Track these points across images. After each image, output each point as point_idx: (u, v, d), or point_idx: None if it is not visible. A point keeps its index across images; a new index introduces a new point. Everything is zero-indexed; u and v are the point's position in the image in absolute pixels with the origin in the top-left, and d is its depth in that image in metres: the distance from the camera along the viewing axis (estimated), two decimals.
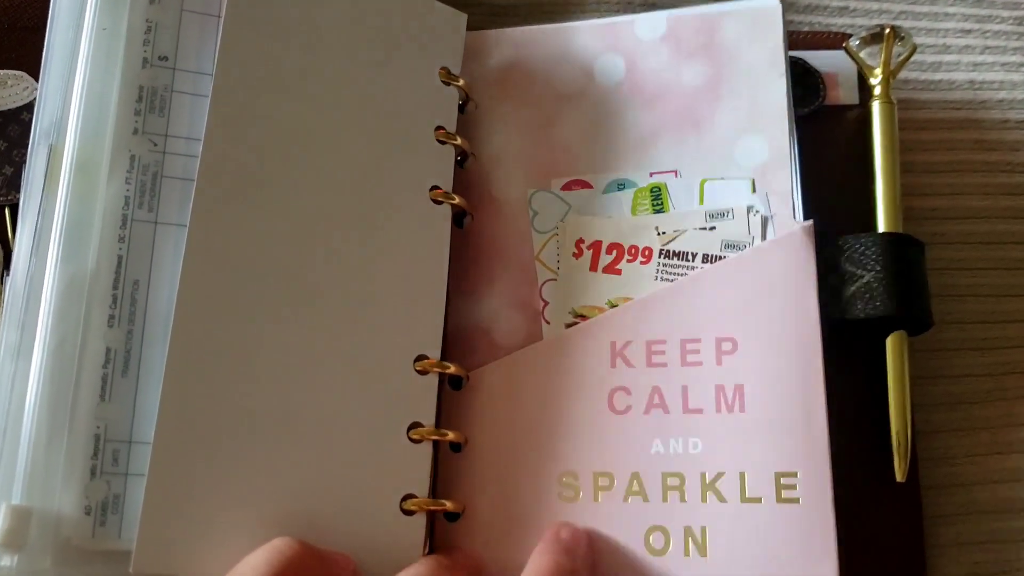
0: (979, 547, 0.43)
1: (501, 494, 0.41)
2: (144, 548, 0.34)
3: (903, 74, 0.48)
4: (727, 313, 0.41)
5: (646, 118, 0.44)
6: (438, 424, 0.41)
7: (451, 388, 0.42)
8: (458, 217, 0.43)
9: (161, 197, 0.38)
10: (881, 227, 0.43)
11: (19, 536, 0.34)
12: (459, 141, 0.43)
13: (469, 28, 0.45)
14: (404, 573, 0.36)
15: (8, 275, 0.38)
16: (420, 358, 0.40)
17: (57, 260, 0.37)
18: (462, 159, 0.44)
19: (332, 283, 0.39)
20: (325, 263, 0.39)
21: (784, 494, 0.39)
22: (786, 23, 0.44)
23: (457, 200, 0.42)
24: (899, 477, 0.41)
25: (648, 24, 0.46)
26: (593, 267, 0.43)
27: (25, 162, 0.39)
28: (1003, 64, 0.50)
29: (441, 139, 0.42)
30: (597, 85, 0.45)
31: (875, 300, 0.41)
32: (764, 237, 0.42)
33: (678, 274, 0.42)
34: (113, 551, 0.35)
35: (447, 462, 0.41)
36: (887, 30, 0.45)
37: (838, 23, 0.51)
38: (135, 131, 0.38)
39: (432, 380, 0.40)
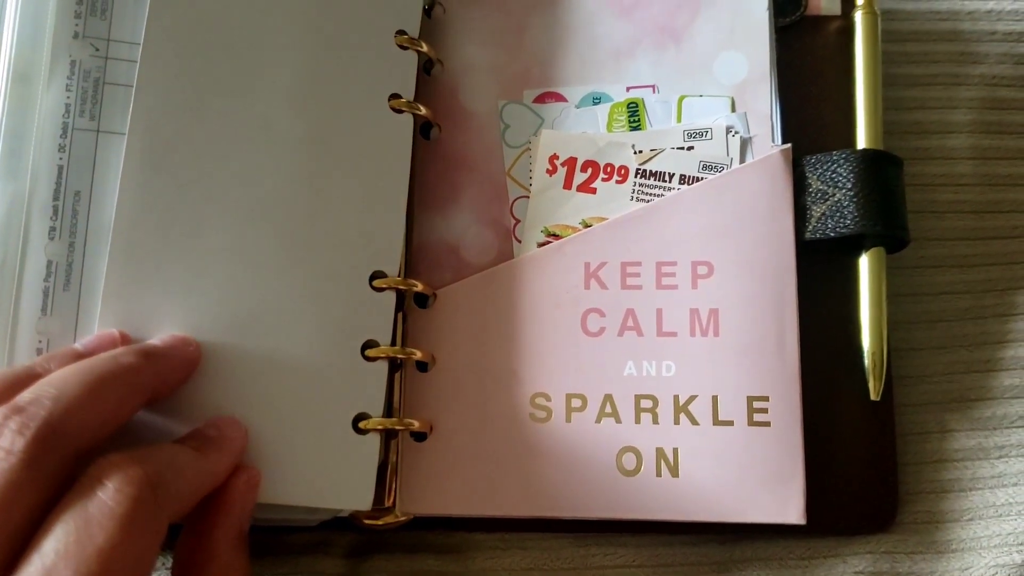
0: (953, 465, 0.39)
1: (470, 415, 0.37)
2: None
3: None
4: (704, 237, 0.37)
5: (623, 28, 0.40)
6: (403, 343, 0.37)
7: (417, 306, 0.38)
8: (424, 128, 0.39)
9: (103, 104, 0.33)
10: (861, 143, 0.39)
11: None
12: (423, 47, 0.38)
13: None
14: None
15: None
16: (377, 275, 0.36)
17: None
18: (428, 66, 0.39)
19: (282, 195, 0.34)
20: (275, 174, 0.34)
21: (755, 417, 0.36)
22: None
23: (422, 111, 0.37)
24: (873, 396, 0.38)
25: None
26: (567, 185, 0.38)
27: None
28: None
29: (403, 44, 0.37)
30: None
31: (845, 219, 0.37)
32: (743, 159, 0.38)
33: (655, 195, 0.38)
34: None
35: (414, 381, 0.37)
36: None
37: None
38: (76, 35, 0.33)
39: (389, 298, 0.36)
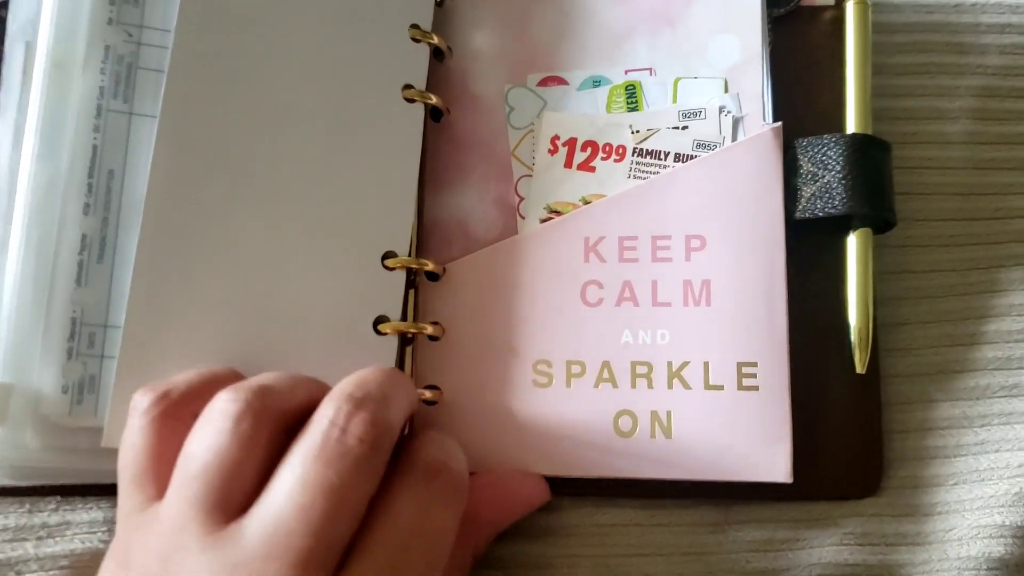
0: (937, 433, 0.41)
1: (478, 380, 0.39)
2: (114, 423, 0.34)
3: None
4: (697, 211, 0.39)
5: (621, 14, 0.42)
6: (416, 314, 0.39)
7: (428, 280, 0.40)
8: (435, 112, 0.41)
9: (136, 88, 0.36)
10: (851, 128, 0.41)
11: (1, 411, 0.34)
12: (434, 39, 0.40)
13: None
14: (359, 372, 0.33)
15: None
16: (388, 255, 0.38)
17: (35, 154, 0.35)
18: (439, 54, 0.41)
19: (302, 178, 0.37)
20: (295, 158, 0.37)
21: (744, 382, 0.38)
22: None
23: (433, 99, 0.40)
24: (859, 369, 0.40)
25: None
26: (568, 164, 0.41)
27: (2, 58, 0.37)
28: None
29: (415, 37, 0.40)
30: None
31: (833, 199, 0.39)
32: (735, 137, 0.40)
33: (651, 172, 0.40)
34: (89, 427, 0.34)
35: (426, 351, 0.40)
36: None
37: None
38: (110, 21, 0.36)
39: (400, 276, 0.38)
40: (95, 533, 0.37)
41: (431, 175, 0.41)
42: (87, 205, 0.35)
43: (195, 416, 0.31)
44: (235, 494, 0.29)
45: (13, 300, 0.34)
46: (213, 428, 0.29)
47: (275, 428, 0.30)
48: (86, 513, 0.37)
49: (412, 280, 0.39)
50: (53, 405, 0.34)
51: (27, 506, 0.37)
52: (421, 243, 0.40)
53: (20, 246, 0.34)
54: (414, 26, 0.40)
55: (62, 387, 0.34)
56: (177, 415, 0.31)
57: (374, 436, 0.29)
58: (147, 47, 0.36)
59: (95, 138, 0.35)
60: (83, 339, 0.35)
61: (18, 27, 0.36)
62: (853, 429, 0.40)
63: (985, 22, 0.46)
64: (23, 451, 0.34)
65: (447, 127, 0.42)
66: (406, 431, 0.38)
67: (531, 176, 0.41)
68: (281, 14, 0.37)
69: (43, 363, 0.34)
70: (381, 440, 0.30)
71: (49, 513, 0.37)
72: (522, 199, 0.41)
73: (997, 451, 0.41)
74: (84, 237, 0.35)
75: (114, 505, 0.36)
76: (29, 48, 0.36)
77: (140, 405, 0.31)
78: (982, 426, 0.41)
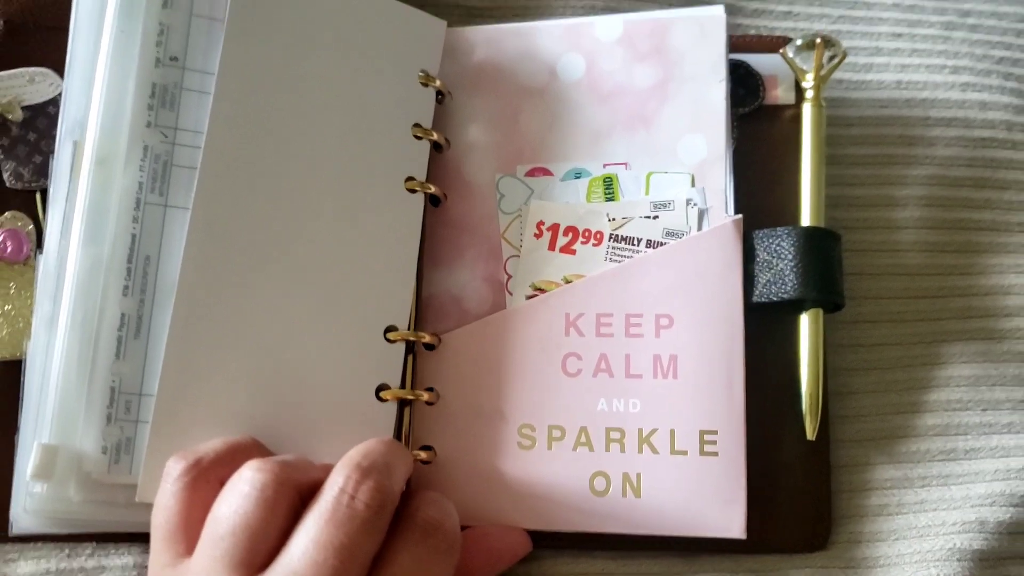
0: (881, 492, 0.46)
1: (468, 442, 0.44)
2: (147, 481, 0.38)
3: (837, 74, 0.51)
4: (665, 293, 0.44)
5: (602, 114, 0.47)
6: (414, 380, 0.44)
7: (426, 350, 0.45)
8: (434, 198, 0.46)
9: (171, 183, 0.41)
10: (804, 220, 0.46)
11: (47, 469, 0.38)
12: (435, 136, 0.45)
13: (448, 26, 0.47)
14: (364, 443, 0.38)
15: (41, 253, 0.41)
16: (390, 328, 0.43)
17: (80, 241, 0.40)
18: (438, 146, 0.46)
19: (314, 262, 0.42)
20: (309, 243, 0.42)
21: (706, 448, 0.42)
22: (730, 29, 0.46)
23: (432, 189, 0.45)
24: (810, 435, 0.44)
25: (607, 26, 0.48)
26: (551, 247, 0.46)
27: (52, 152, 0.42)
28: (928, 66, 0.52)
29: (417, 135, 0.45)
30: (559, 82, 0.47)
31: (786, 285, 0.44)
32: (700, 227, 0.45)
33: (625, 256, 0.45)
34: (125, 484, 0.39)
35: (422, 414, 0.44)
36: (819, 40, 0.47)
37: (782, 26, 0.53)
38: (148, 124, 0.41)
39: (399, 348, 0.43)
40: None
41: (429, 254, 0.46)
42: (126, 287, 0.40)
43: (221, 482, 0.36)
44: (258, 553, 0.33)
45: (60, 370, 0.39)
46: (240, 494, 0.34)
47: (294, 496, 0.35)
48: (119, 558, 0.42)
49: (411, 349, 0.44)
50: (94, 464, 0.39)
51: (66, 551, 0.42)
52: (419, 315, 0.45)
53: (67, 323, 0.39)
54: (416, 124, 0.45)
55: (102, 448, 0.39)
56: (205, 481, 0.36)
57: (379, 501, 0.34)
58: (181, 147, 0.41)
59: (134, 227, 0.40)
60: (121, 406, 0.39)
61: (67, 128, 0.41)
62: (804, 489, 0.45)
63: (934, 116, 0.51)
64: (66, 503, 0.39)
65: (444, 211, 0.47)
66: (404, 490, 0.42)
67: (519, 256, 0.46)
68: (298, 117, 0.42)
69: (85, 427, 0.39)
70: (385, 504, 0.35)
71: (86, 558, 0.42)
72: (510, 277, 0.46)
73: (935, 510, 0.45)
74: (123, 315, 0.40)
75: (145, 551, 0.41)
76: (77, 146, 0.41)
77: (173, 472, 0.36)
78: (922, 487, 0.46)
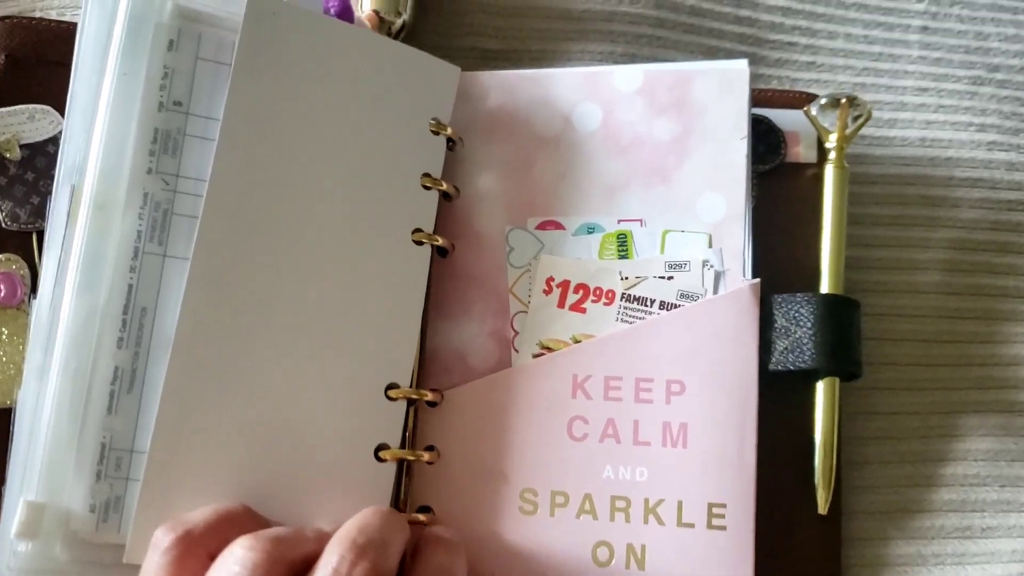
0: (893, 569, 0.45)
1: (468, 504, 0.43)
2: (136, 541, 0.37)
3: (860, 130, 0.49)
4: (678, 357, 0.42)
5: (618, 167, 0.45)
6: (415, 438, 0.43)
7: (428, 406, 0.44)
8: (443, 249, 0.44)
9: (170, 232, 0.40)
10: (824, 287, 0.45)
11: (33, 527, 0.37)
12: (444, 186, 0.44)
13: (462, 70, 0.46)
14: (360, 516, 0.37)
15: (35, 297, 0.40)
16: (392, 386, 0.42)
17: (75, 290, 0.38)
18: (446, 195, 0.45)
19: (316, 315, 0.40)
20: (310, 297, 0.40)
21: (714, 522, 0.41)
22: (752, 79, 0.45)
23: (439, 241, 0.43)
24: (821, 509, 0.43)
25: (626, 76, 0.46)
26: (561, 304, 0.44)
27: (51, 192, 0.40)
28: (953, 123, 0.51)
29: (426, 185, 0.43)
30: (575, 131, 0.46)
31: (803, 354, 0.43)
32: (716, 290, 0.43)
33: (637, 317, 0.43)
34: (113, 543, 0.38)
35: (421, 473, 0.43)
36: (844, 99, 0.45)
37: (805, 77, 0.52)
38: (149, 170, 0.40)
39: (400, 406, 0.42)
40: None
41: (435, 306, 0.45)
42: (120, 339, 0.39)
43: (210, 555, 0.34)
44: None
45: (50, 423, 0.38)
46: (230, 573, 0.33)
47: (286, 574, 0.33)
48: None
49: (412, 403, 0.43)
50: (81, 522, 0.37)
51: None
52: (423, 369, 0.44)
53: (58, 374, 0.38)
54: (426, 174, 0.43)
55: (90, 506, 0.38)
56: (194, 554, 0.34)
57: None
58: (182, 195, 0.40)
59: (131, 277, 0.39)
60: (111, 463, 0.38)
61: (66, 171, 0.40)
62: (815, 563, 0.43)
63: (958, 176, 0.50)
64: (52, 562, 0.37)
65: (452, 262, 0.45)
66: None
67: (526, 312, 0.44)
68: (304, 166, 0.41)
69: (74, 483, 0.37)
70: None
71: None
72: (517, 334, 0.44)
73: None
74: (117, 369, 0.38)
75: None
76: (75, 191, 0.39)
77: (161, 544, 0.35)
78: (936, 564, 0.45)
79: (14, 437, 0.39)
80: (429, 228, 0.43)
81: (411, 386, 0.42)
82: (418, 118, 0.44)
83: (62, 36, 0.43)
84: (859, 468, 0.46)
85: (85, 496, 0.38)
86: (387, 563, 0.34)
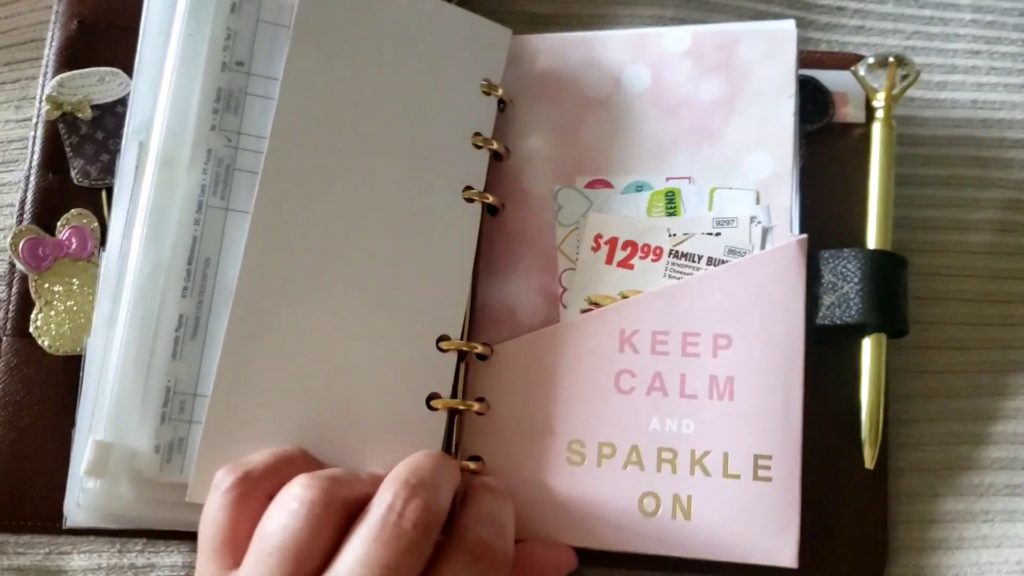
0: (941, 525, 0.45)
1: (517, 455, 0.43)
2: (198, 482, 0.39)
3: (909, 92, 0.49)
4: (725, 312, 0.43)
5: (666, 127, 0.46)
6: (465, 390, 0.44)
7: (478, 360, 0.45)
8: (493, 207, 0.45)
9: (232, 187, 0.41)
10: (871, 243, 0.45)
11: (101, 466, 0.39)
12: (495, 145, 0.45)
13: (512, 34, 0.46)
14: (412, 458, 0.38)
15: (104, 250, 0.41)
16: (443, 338, 0.43)
17: (142, 241, 0.40)
18: (497, 155, 0.46)
19: (371, 268, 0.42)
20: (366, 251, 0.42)
21: (760, 473, 0.41)
22: (800, 43, 0.45)
23: (490, 199, 0.44)
24: (868, 464, 0.43)
25: (675, 37, 0.47)
26: (608, 260, 0.45)
27: (119, 151, 0.42)
28: (1006, 85, 0.50)
29: (477, 144, 0.44)
30: (624, 92, 0.47)
31: (850, 309, 0.43)
32: (763, 246, 0.44)
33: (684, 273, 0.44)
34: (176, 483, 0.39)
35: (472, 424, 0.44)
36: (892, 58, 0.45)
37: (854, 41, 0.52)
38: (213, 128, 0.41)
39: (451, 357, 0.43)
40: (176, 575, 0.42)
41: (485, 263, 0.46)
42: (185, 288, 0.40)
43: (269, 496, 0.36)
44: (305, 570, 0.33)
45: (117, 368, 0.39)
46: (288, 511, 0.34)
47: (341, 513, 0.35)
48: (168, 557, 0.43)
49: (463, 358, 0.44)
50: (146, 462, 0.39)
51: (117, 547, 0.43)
52: (473, 324, 0.45)
53: (125, 322, 0.40)
54: (477, 134, 0.44)
55: (155, 447, 0.39)
56: (253, 495, 0.36)
57: (426, 521, 0.34)
58: (244, 151, 0.41)
59: (195, 230, 0.40)
60: (175, 406, 0.40)
61: (133, 128, 0.42)
62: (861, 519, 0.44)
63: (1010, 137, 0.50)
64: (118, 500, 0.39)
65: (501, 220, 0.46)
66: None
67: (574, 270, 0.45)
68: (360, 124, 0.42)
69: (140, 425, 0.39)
70: (432, 524, 0.35)
71: (136, 555, 0.43)
72: (565, 290, 0.45)
73: (998, 546, 0.44)
74: (181, 316, 0.40)
75: (194, 550, 0.41)
76: (142, 147, 0.41)
77: (222, 484, 0.36)
78: (985, 521, 0.45)
79: (83, 382, 0.41)
80: (480, 186, 0.44)
81: (462, 339, 0.43)
82: (470, 79, 0.45)
83: (130, 2, 0.45)
84: (906, 426, 0.46)
85: (150, 437, 0.39)
86: (438, 503, 0.35)
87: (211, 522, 0.36)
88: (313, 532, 0.34)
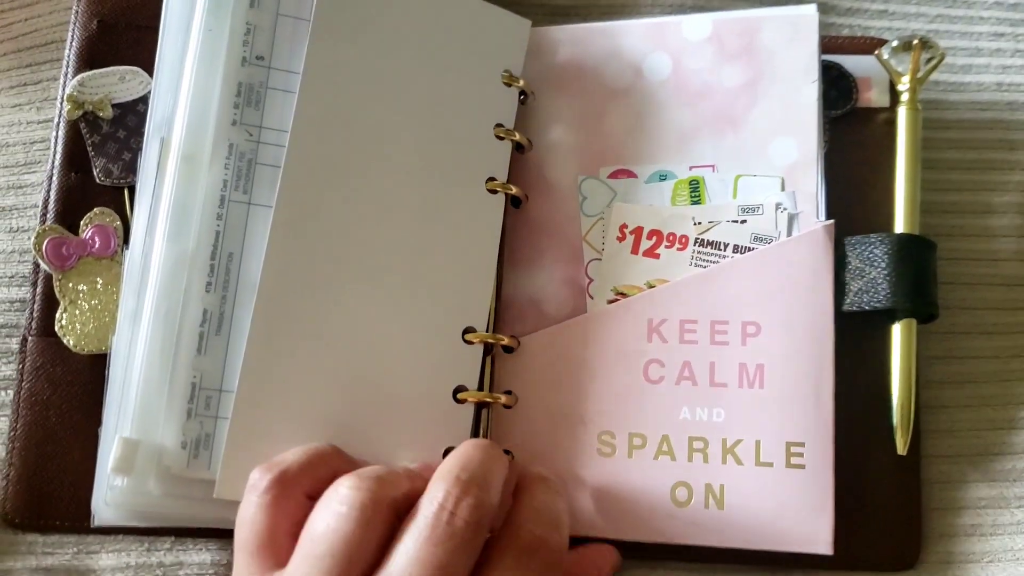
0: (975, 512, 0.44)
1: (547, 446, 0.43)
2: (225, 478, 0.38)
3: (934, 75, 0.48)
4: (753, 300, 0.42)
5: (688, 115, 0.45)
6: (492, 383, 0.43)
7: (505, 352, 0.44)
8: (516, 199, 0.45)
9: (255, 181, 0.41)
10: (898, 227, 0.44)
11: (128, 463, 0.39)
12: (517, 136, 0.44)
13: (532, 26, 0.46)
14: (461, 449, 0.37)
15: (127, 248, 0.41)
16: (468, 330, 0.42)
17: (165, 237, 0.40)
18: (520, 147, 0.45)
19: (394, 262, 0.41)
20: (389, 244, 0.41)
21: (792, 460, 0.41)
22: (823, 28, 0.45)
23: (513, 190, 0.44)
24: (900, 450, 0.43)
25: (695, 25, 0.46)
26: (634, 250, 0.44)
27: (141, 149, 0.42)
28: None
29: (500, 135, 0.44)
30: (645, 81, 0.46)
31: (878, 294, 0.42)
32: (789, 233, 0.43)
33: (711, 261, 0.43)
34: (203, 479, 0.39)
35: (499, 417, 0.44)
36: (916, 41, 0.45)
37: (877, 26, 0.51)
38: (234, 122, 0.41)
39: (477, 349, 0.42)
40: (205, 574, 0.42)
41: (509, 255, 0.45)
42: (209, 283, 0.40)
43: (305, 494, 0.36)
44: (356, 572, 0.33)
45: (143, 365, 0.39)
46: (337, 513, 0.34)
47: (390, 513, 0.34)
48: (197, 555, 0.42)
49: (489, 351, 0.43)
50: (173, 459, 0.39)
51: (146, 545, 0.42)
52: (498, 317, 0.44)
53: (150, 318, 0.39)
54: (499, 125, 0.44)
55: (181, 443, 0.39)
56: (291, 495, 0.36)
57: (478, 518, 0.34)
58: (265, 145, 0.41)
59: (218, 224, 0.40)
60: (201, 401, 0.39)
61: (155, 125, 0.41)
62: (894, 505, 0.43)
63: None
64: (146, 497, 0.39)
65: (525, 212, 0.46)
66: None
67: (600, 260, 0.45)
68: (381, 117, 0.42)
69: (166, 422, 0.39)
70: (484, 520, 0.34)
71: (165, 552, 0.42)
72: (591, 281, 0.45)
73: None
74: (205, 312, 0.40)
75: (222, 548, 0.41)
76: (164, 143, 0.41)
77: (259, 485, 0.36)
78: (1018, 507, 0.44)
79: (109, 379, 0.41)
80: (503, 177, 0.44)
81: (487, 331, 0.43)
82: (491, 70, 0.44)
83: (149, 1, 0.45)
84: (937, 412, 0.45)
85: (177, 433, 0.39)
86: (490, 498, 0.35)
87: (249, 523, 0.36)
88: (363, 534, 0.33)
